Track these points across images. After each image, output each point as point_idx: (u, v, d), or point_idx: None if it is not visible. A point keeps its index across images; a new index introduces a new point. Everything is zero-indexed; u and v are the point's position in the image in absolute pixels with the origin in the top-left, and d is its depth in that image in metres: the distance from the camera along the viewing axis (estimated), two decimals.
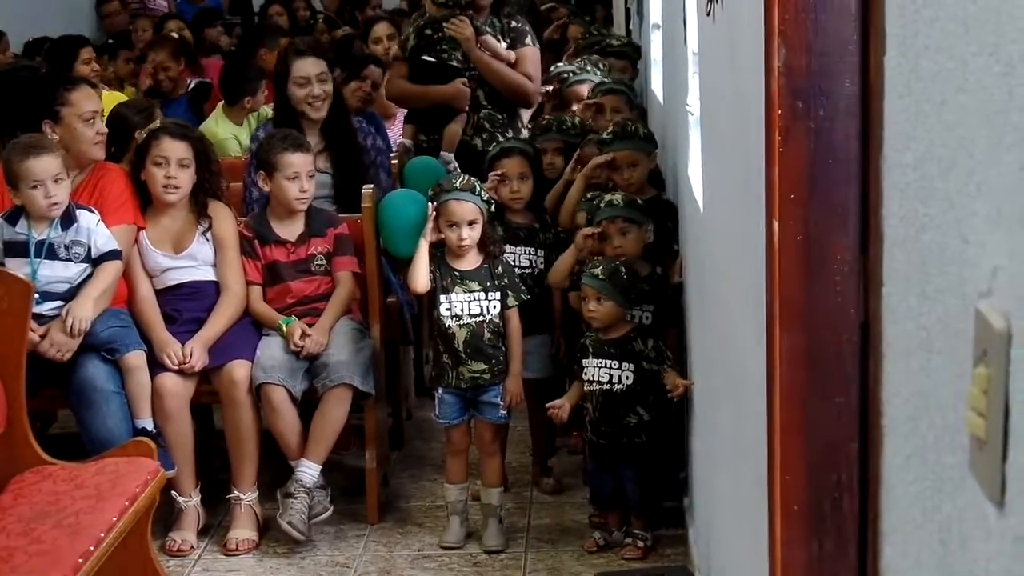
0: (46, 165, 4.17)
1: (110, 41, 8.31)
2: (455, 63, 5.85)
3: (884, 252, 1.59)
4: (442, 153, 5.79)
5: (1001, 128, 1.08)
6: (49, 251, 4.25)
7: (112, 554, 3.32)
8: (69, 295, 4.25)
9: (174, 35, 7.75)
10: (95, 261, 4.28)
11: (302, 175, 4.52)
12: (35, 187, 4.18)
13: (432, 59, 5.86)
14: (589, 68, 5.72)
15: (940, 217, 1.29)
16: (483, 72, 5.83)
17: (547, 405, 4.31)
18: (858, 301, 1.87)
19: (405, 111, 6.31)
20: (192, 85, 7.11)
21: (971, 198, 1.18)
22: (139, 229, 4.47)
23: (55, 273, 4.25)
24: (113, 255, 4.31)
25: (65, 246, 4.25)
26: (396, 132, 6.36)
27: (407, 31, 6.08)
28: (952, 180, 1.24)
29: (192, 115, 6.64)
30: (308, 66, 4.86)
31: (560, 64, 6.18)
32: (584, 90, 5.52)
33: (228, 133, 5.82)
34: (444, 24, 5.81)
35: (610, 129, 4.69)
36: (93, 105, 4.57)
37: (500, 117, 5.91)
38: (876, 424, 1.66)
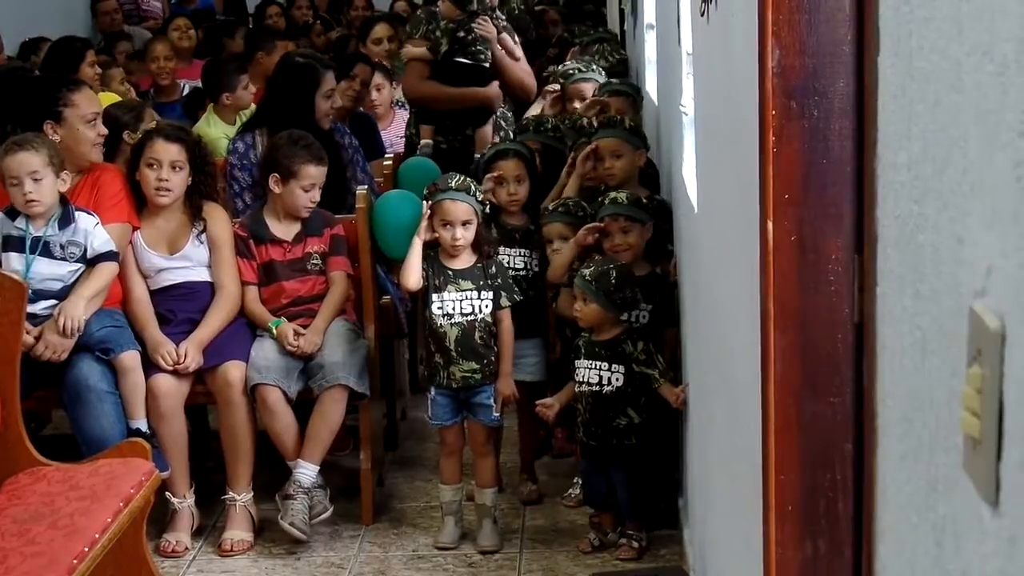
0: (22, 162, 4.16)
1: (102, 44, 8.28)
2: (486, 64, 5.85)
3: (878, 252, 1.59)
4: (476, 156, 5.74)
5: (995, 127, 1.08)
6: (44, 248, 4.24)
7: (107, 555, 3.32)
8: (63, 294, 4.25)
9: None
10: (91, 261, 4.28)
11: (316, 186, 4.52)
12: (14, 184, 4.18)
13: (469, 61, 5.84)
14: (595, 68, 5.72)
15: (934, 217, 1.29)
16: (502, 70, 5.82)
17: (537, 403, 4.31)
18: (852, 301, 1.87)
19: (402, 112, 6.29)
20: (187, 90, 7.10)
21: (965, 198, 1.18)
22: (134, 229, 4.47)
23: (49, 271, 4.25)
24: (110, 256, 4.30)
25: (61, 245, 4.25)
26: (392, 133, 6.35)
27: (422, 31, 5.95)
28: (946, 180, 1.24)
29: (187, 119, 6.64)
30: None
31: (568, 63, 6.19)
32: (588, 88, 5.52)
33: (220, 132, 5.82)
34: (473, 25, 5.79)
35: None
36: (95, 107, 4.58)
37: (510, 115, 5.92)
38: (870, 424, 1.66)
